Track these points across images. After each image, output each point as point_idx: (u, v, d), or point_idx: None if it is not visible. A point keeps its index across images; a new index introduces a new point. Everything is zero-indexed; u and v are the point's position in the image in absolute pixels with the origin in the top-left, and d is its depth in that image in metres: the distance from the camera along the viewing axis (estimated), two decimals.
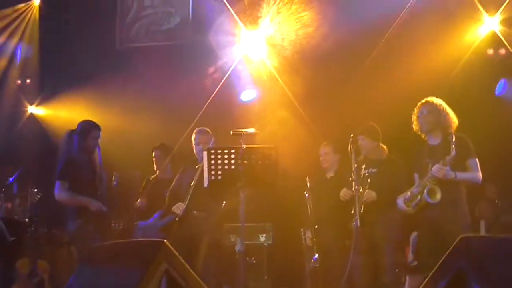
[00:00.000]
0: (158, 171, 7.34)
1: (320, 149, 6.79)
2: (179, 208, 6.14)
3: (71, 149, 5.95)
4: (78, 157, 5.96)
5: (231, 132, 5.51)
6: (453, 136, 5.36)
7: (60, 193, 5.85)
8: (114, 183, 6.88)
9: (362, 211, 5.76)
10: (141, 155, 7.69)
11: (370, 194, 5.96)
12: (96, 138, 6.04)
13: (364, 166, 6.06)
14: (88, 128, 6.05)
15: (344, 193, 6.07)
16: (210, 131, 6.46)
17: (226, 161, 5.39)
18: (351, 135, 5.84)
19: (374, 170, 6.09)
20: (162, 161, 7.30)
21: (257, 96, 9.14)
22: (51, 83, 9.55)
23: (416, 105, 5.72)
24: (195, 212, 6.14)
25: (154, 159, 7.36)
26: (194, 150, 6.41)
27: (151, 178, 7.35)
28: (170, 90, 9.04)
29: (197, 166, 6.19)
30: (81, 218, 5.80)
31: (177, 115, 8.79)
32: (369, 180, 5.99)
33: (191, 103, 8.81)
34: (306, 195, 6.56)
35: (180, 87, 9.03)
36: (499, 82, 8.54)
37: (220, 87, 8.70)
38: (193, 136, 6.44)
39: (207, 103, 8.62)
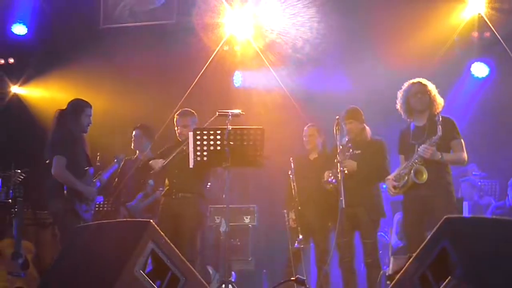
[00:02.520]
0: (137, 152, 7.35)
1: (305, 130, 6.81)
2: (157, 163, 6.13)
3: (67, 126, 5.90)
4: (74, 134, 5.92)
5: (217, 113, 5.54)
6: (440, 116, 5.39)
7: (59, 169, 5.72)
8: (98, 163, 6.86)
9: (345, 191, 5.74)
10: (125, 136, 7.64)
11: (350, 164, 5.98)
12: (89, 116, 6.03)
13: (350, 146, 6.10)
14: (81, 106, 6.01)
15: (326, 175, 6.11)
16: (193, 112, 6.44)
17: (212, 142, 5.45)
18: (337, 117, 5.85)
19: (358, 151, 6.13)
20: (140, 141, 7.30)
21: (243, 78, 9.14)
22: (35, 63, 9.44)
23: (401, 86, 5.74)
24: (180, 194, 6.16)
25: (133, 138, 7.35)
26: (177, 133, 6.40)
27: (133, 158, 7.36)
28: (155, 71, 9.00)
29: (179, 149, 6.18)
30: (63, 198, 5.75)
31: (163, 96, 8.77)
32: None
33: (176, 85, 8.79)
34: (290, 176, 6.57)
35: (166, 68, 9.01)
36: (478, 65, 8.62)
37: (206, 68, 8.67)
38: (175, 118, 6.42)
39: (193, 85, 8.60)
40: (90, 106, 6.07)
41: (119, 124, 8.45)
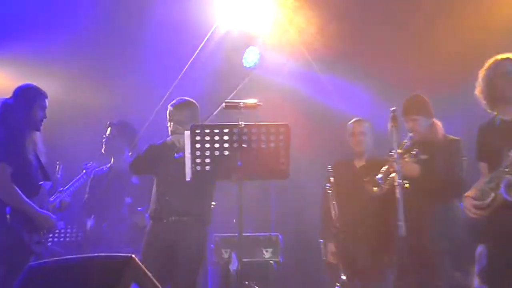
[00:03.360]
0: (112, 159, 7.41)
1: (350, 126, 6.81)
2: (179, 141, 6.09)
3: (13, 123, 5.87)
4: (22, 134, 5.89)
5: (224, 103, 5.48)
6: None
7: (1, 181, 5.68)
8: (58, 176, 6.87)
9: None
10: (95, 137, 7.65)
11: (409, 166, 5.96)
12: (44, 108, 6.03)
13: (414, 150, 6.08)
14: (32, 94, 6.03)
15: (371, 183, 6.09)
16: (194, 102, 6.43)
17: (217, 145, 5.32)
18: (392, 109, 5.78)
19: (425, 157, 6.09)
20: (114, 143, 7.38)
21: (260, 55, 9.14)
22: None
23: (483, 64, 5.68)
24: (174, 217, 6.16)
25: (104, 139, 7.44)
26: (169, 131, 6.42)
27: (105, 168, 7.43)
28: (136, 45, 8.93)
29: (173, 153, 6.16)
30: (6, 225, 5.70)
31: (148, 80, 8.76)
32: None
33: (166, 64, 8.75)
34: (329, 192, 6.56)
35: (151, 40, 8.93)
36: None
37: (206, 40, 8.67)
38: (168, 110, 6.44)
39: (188, 63, 8.61)
40: (45, 95, 6.09)
41: (86, 120, 8.46)
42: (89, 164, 7.18)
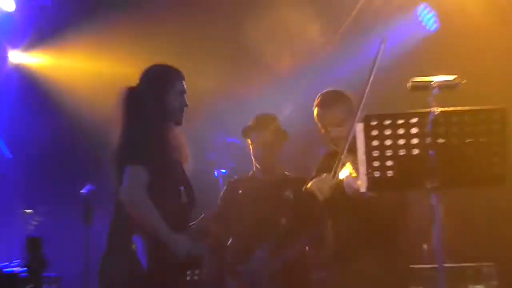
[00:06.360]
0: (255, 165, 7.52)
1: None
2: (323, 184, 5.92)
3: (146, 116, 5.85)
4: (160, 130, 5.86)
5: (410, 83, 5.28)
6: None
7: (132, 189, 5.63)
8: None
9: None
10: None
11: None
12: (181, 93, 6.02)
13: None
14: (163, 77, 6.03)
15: None
16: (344, 94, 6.37)
17: (401, 141, 5.17)
18: None
19: None
20: (264, 148, 7.47)
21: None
22: (46, 14, 10.09)
23: None
24: (355, 254, 6.10)
25: (250, 145, 7.50)
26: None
27: (248, 177, 7.59)
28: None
29: (342, 156, 5.90)
30: (128, 252, 5.69)
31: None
32: None
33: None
34: None
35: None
36: None
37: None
38: (315, 111, 6.42)
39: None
40: (181, 76, 6.08)
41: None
42: (222, 171, 7.14)
